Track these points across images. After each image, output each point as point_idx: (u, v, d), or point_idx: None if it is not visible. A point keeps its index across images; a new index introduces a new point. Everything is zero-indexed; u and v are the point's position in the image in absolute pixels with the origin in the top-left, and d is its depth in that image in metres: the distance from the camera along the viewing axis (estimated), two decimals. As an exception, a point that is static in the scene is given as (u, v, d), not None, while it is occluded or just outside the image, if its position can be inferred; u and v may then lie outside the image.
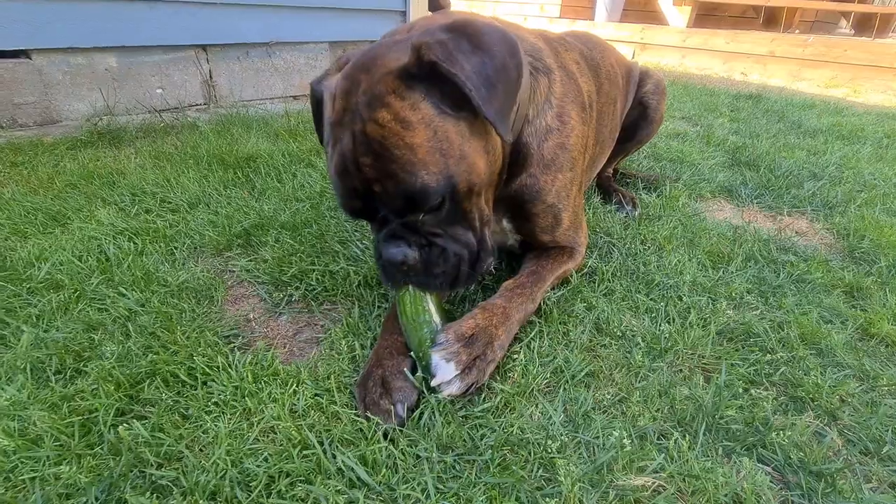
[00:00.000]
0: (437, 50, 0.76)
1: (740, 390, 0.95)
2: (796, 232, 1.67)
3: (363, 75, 0.81)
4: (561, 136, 1.12)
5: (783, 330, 1.13)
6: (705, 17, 7.05)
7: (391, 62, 0.80)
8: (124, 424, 0.80)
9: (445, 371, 0.87)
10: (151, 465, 0.75)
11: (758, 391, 0.95)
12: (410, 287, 0.95)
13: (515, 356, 0.99)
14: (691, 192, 1.93)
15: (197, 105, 2.82)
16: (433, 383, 0.87)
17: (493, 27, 0.82)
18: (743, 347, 1.08)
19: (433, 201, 0.85)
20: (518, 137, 1.05)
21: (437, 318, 0.95)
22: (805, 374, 1.00)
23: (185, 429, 0.81)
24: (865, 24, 6.99)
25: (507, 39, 0.82)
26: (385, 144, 0.79)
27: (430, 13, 1.08)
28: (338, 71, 0.91)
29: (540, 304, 1.12)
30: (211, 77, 2.83)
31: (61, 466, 0.73)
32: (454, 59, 0.76)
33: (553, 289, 1.19)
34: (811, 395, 0.95)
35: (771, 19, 7.06)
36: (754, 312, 1.20)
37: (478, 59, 0.78)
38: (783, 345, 1.09)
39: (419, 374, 0.90)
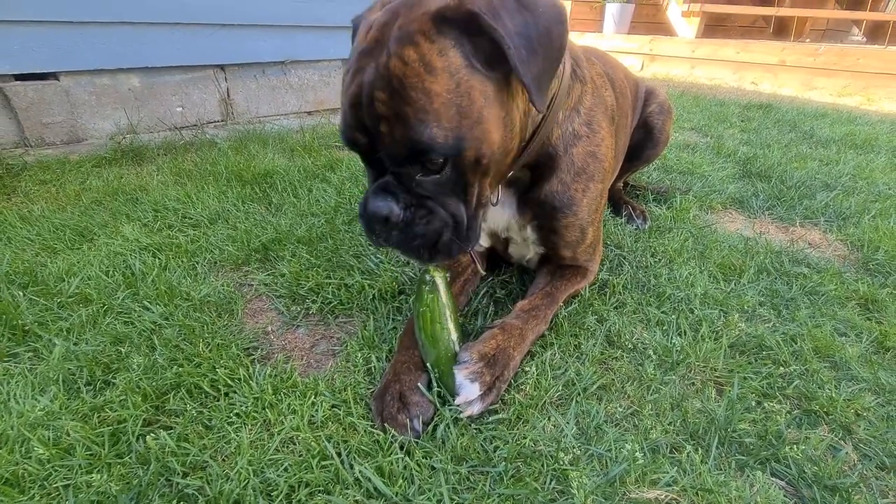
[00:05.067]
0: (480, 1, 0.74)
1: (753, 403, 0.96)
2: (809, 243, 1.67)
3: (403, 10, 0.78)
4: (591, 143, 1.11)
5: (796, 343, 1.13)
6: (714, 27, 7.06)
7: (432, 3, 0.77)
8: (151, 434, 0.83)
9: (469, 391, 0.88)
10: (178, 473, 0.78)
11: (771, 404, 0.95)
12: (429, 301, 0.97)
13: (527, 369, 1.00)
14: (702, 203, 1.94)
15: (214, 122, 2.91)
16: (457, 402, 0.88)
17: None
18: (755, 360, 1.08)
19: (435, 158, 0.79)
20: (546, 140, 1.03)
21: (454, 334, 0.97)
22: (819, 388, 1.00)
23: (209, 439, 0.84)
24: (878, 32, 6.94)
25: (556, 5, 0.79)
26: (404, 83, 0.75)
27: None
28: (382, 7, 0.86)
29: (550, 322, 1.13)
30: (228, 95, 2.92)
31: (93, 475, 0.77)
32: (497, 13, 0.73)
33: (564, 304, 1.21)
34: (825, 409, 0.95)
35: (781, 28, 7.04)
36: (767, 325, 1.20)
37: (522, 18, 0.75)
38: (796, 358, 1.09)
39: (435, 388, 0.92)
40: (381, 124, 0.77)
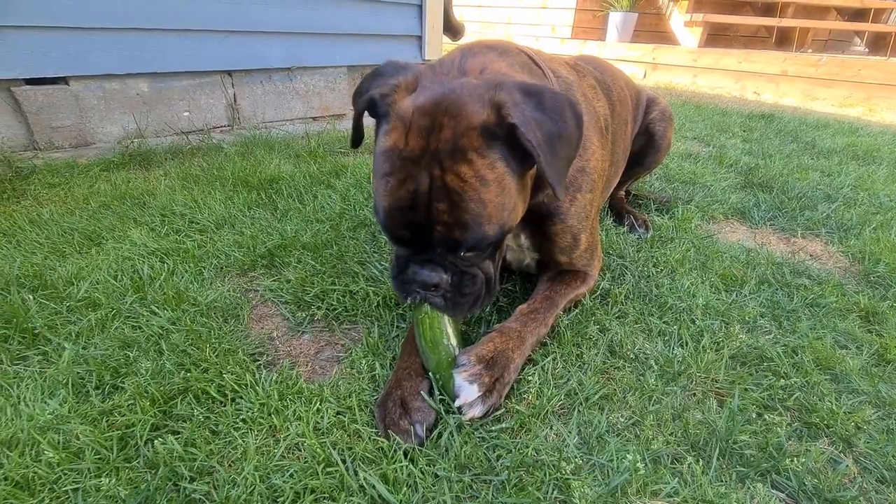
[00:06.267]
0: (516, 114, 0.81)
1: (754, 415, 0.97)
2: (810, 255, 1.68)
3: (446, 119, 0.83)
4: (581, 160, 1.17)
5: (797, 355, 1.14)
6: (716, 36, 7.10)
7: (473, 115, 0.83)
8: (160, 439, 0.84)
9: (469, 393, 0.90)
10: (185, 478, 0.79)
11: (772, 416, 0.96)
12: (428, 308, 0.99)
13: (530, 378, 1.01)
14: (704, 213, 1.95)
15: (221, 127, 2.94)
16: (457, 404, 0.90)
17: (563, 96, 0.89)
18: (756, 372, 1.09)
19: (486, 246, 0.93)
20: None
21: (454, 340, 0.99)
22: (819, 400, 1.01)
23: (216, 444, 0.85)
24: (880, 43, 6.98)
25: (575, 112, 0.88)
26: (462, 196, 0.84)
27: (473, 42, 1.13)
28: (407, 92, 0.90)
29: (552, 326, 1.15)
30: (235, 100, 2.95)
31: (101, 479, 0.78)
32: (529, 125, 0.81)
33: (565, 312, 1.22)
34: (826, 422, 0.96)
35: (783, 39, 7.08)
36: (768, 336, 1.21)
37: (548, 126, 0.84)
38: (797, 370, 1.10)
39: (437, 395, 0.93)
40: (437, 226, 0.86)
